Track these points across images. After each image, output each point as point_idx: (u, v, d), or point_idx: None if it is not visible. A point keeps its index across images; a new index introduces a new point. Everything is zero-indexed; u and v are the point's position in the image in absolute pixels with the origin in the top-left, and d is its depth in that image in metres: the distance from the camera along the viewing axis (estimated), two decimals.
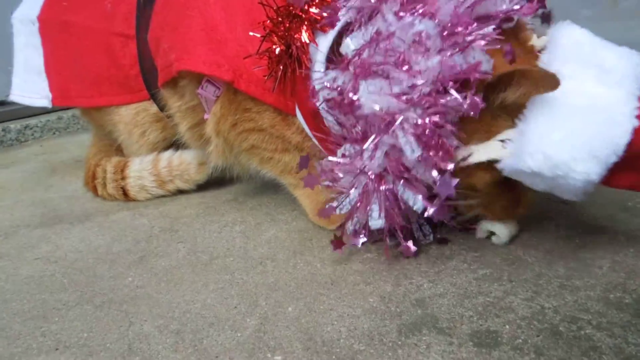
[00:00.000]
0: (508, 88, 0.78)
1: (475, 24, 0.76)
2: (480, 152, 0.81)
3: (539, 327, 0.72)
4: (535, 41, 0.85)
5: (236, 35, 0.97)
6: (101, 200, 1.29)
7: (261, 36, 0.90)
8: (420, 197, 0.82)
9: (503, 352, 0.68)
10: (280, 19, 0.88)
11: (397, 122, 0.76)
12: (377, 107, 0.76)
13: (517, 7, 0.80)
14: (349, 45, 0.82)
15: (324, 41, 0.86)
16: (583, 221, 1.02)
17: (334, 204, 0.87)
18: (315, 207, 1.05)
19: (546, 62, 0.81)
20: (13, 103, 1.91)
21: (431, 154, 0.77)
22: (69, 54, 1.24)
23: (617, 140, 0.74)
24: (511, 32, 0.83)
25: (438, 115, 0.76)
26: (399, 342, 0.71)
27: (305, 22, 0.87)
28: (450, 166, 0.78)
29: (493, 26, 0.77)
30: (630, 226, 0.99)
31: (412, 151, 0.76)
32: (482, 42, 0.75)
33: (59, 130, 1.96)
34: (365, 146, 0.79)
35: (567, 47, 0.82)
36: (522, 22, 0.85)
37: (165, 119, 1.22)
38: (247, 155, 1.08)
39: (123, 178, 1.25)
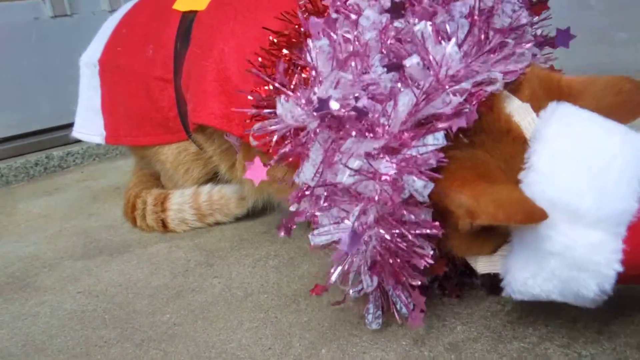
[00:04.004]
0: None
1: (414, 141, 0.70)
2: (484, 265, 0.80)
3: None
4: (523, 122, 0.74)
5: (248, 87, 0.94)
6: (139, 230, 1.33)
7: (254, 101, 0.87)
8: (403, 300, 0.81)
9: None
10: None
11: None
12: (334, 239, 0.75)
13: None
14: (302, 176, 0.79)
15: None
16: None
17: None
18: None
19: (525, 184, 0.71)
20: (55, 130, 2.02)
21: (401, 273, 0.76)
22: (119, 96, 1.30)
23: (597, 288, 0.67)
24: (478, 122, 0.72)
25: (397, 235, 0.73)
26: None
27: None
28: (418, 282, 0.77)
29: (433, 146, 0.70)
30: None
31: (367, 285, 0.77)
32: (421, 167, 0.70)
33: (98, 157, 2.03)
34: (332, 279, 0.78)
35: (542, 169, 0.70)
36: (499, 95, 0.75)
37: (205, 157, 1.25)
38: (277, 195, 1.11)
39: (163, 210, 1.28)
